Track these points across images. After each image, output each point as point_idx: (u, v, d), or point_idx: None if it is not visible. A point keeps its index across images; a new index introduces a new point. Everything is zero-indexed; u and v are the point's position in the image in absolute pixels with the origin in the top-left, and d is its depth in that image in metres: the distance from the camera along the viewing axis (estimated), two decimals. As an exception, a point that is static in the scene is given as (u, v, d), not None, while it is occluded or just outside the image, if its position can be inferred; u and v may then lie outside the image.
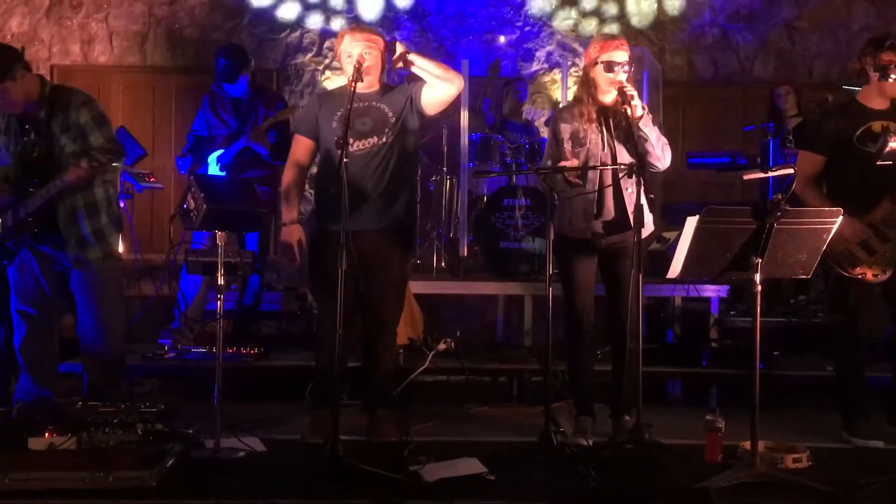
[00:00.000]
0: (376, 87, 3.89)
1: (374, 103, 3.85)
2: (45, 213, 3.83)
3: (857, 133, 3.86)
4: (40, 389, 3.99)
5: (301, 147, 3.95)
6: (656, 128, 3.76)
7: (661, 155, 3.75)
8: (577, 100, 3.89)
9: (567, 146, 3.80)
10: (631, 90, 3.64)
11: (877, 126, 3.85)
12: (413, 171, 4.11)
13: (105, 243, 3.94)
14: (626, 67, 3.72)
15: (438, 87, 3.82)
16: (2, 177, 3.90)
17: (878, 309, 3.92)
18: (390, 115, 3.84)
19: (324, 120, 3.88)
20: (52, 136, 3.84)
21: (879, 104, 3.89)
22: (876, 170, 3.81)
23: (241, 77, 5.12)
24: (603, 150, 3.79)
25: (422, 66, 3.82)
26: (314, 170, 4.13)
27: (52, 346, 4.09)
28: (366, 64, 3.70)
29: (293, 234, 3.84)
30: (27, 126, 3.86)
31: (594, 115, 3.79)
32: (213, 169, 5.12)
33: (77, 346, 4.08)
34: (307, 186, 4.84)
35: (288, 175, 3.95)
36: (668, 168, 3.89)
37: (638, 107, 3.64)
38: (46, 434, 3.18)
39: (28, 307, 3.99)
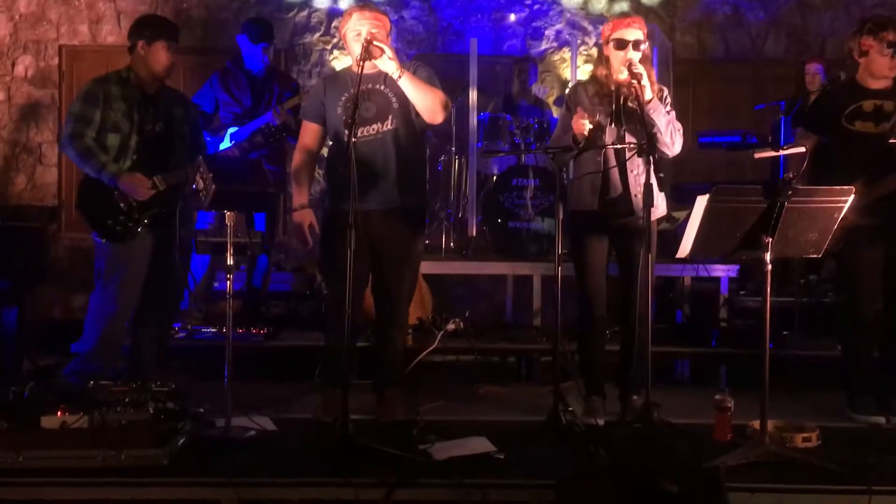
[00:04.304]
0: (379, 68, 3.79)
1: (378, 86, 3.79)
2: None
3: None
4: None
5: (309, 132, 3.93)
6: (667, 114, 3.70)
7: (669, 142, 3.69)
8: (593, 77, 3.88)
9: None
10: (640, 69, 3.61)
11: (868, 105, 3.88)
12: (421, 152, 4.06)
13: None
14: (642, 46, 3.69)
15: (420, 112, 3.76)
16: (101, 146, 3.94)
17: (880, 287, 3.92)
18: (394, 99, 3.79)
19: (329, 104, 3.85)
20: (173, 120, 4.05)
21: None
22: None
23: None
24: (611, 126, 3.76)
25: (406, 86, 3.69)
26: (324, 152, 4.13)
27: None
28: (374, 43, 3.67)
29: (304, 218, 3.85)
30: (145, 102, 4.01)
31: (607, 93, 3.77)
32: (227, 145, 5.12)
33: None
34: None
35: (297, 160, 3.94)
36: (679, 146, 3.86)
37: (647, 88, 3.61)
38: (59, 413, 3.20)
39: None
